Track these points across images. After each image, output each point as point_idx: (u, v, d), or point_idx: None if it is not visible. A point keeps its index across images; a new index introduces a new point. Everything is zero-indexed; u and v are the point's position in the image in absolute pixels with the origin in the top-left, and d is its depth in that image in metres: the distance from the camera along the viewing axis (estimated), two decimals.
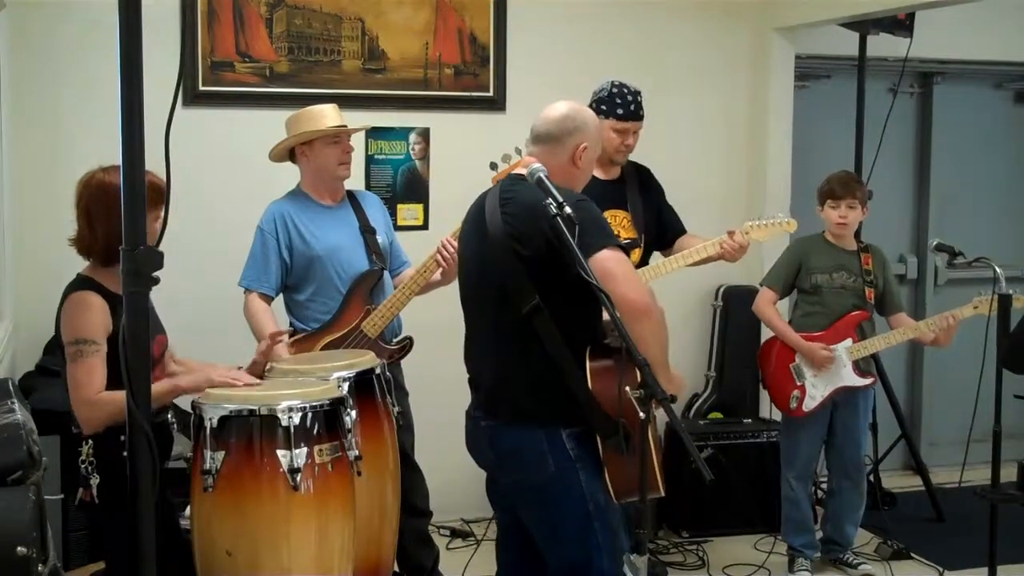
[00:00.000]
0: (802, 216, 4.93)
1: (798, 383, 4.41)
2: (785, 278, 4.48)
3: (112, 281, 2.91)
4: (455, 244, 3.84)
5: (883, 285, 4.52)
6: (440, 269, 3.84)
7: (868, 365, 4.54)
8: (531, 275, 2.77)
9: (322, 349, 3.82)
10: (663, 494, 2.82)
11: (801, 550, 4.54)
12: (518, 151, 3.88)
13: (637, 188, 4.21)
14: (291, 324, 3.95)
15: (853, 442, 4.55)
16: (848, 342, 4.42)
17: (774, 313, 4.49)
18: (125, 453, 2.75)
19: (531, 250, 2.77)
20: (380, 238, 4.01)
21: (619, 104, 4.05)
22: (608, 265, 2.71)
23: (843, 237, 4.50)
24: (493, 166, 3.91)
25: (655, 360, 2.71)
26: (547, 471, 2.79)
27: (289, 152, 3.96)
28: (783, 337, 4.44)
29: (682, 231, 4.26)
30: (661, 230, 4.24)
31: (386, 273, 3.99)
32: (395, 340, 3.98)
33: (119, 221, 2.84)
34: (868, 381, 4.55)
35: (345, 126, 3.92)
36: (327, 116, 3.89)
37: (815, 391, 4.41)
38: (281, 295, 3.96)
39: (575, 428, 2.78)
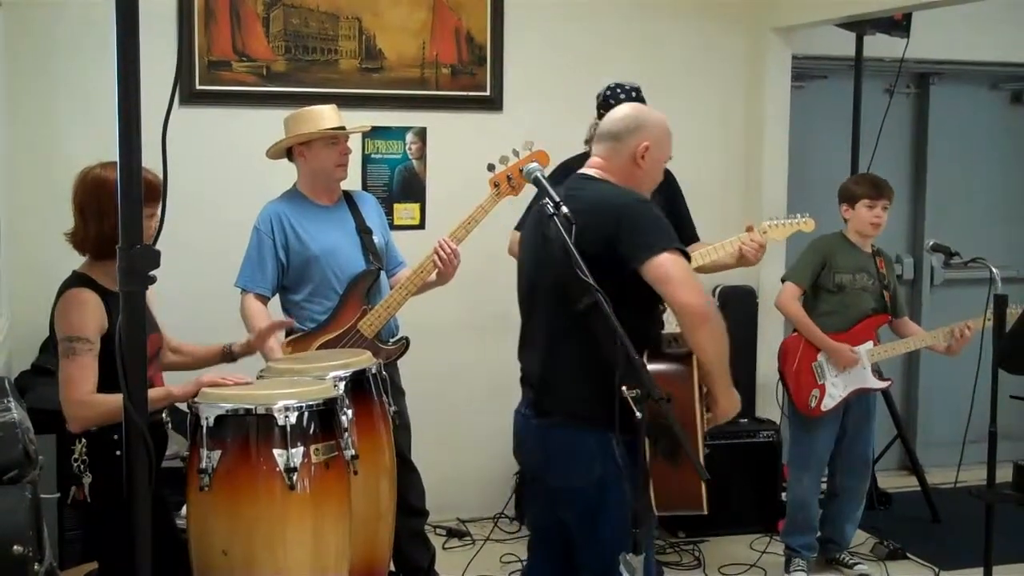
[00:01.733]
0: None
1: (819, 382, 4.40)
2: (812, 275, 4.43)
3: (108, 278, 2.91)
4: (452, 245, 3.84)
5: (893, 289, 4.54)
6: (436, 270, 3.84)
7: (879, 368, 4.57)
8: (590, 272, 2.69)
9: (318, 349, 3.82)
10: (705, 511, 2.78)
11: (799, 551, 4.54)
12: (515, 152, 3.88)
13: (657, 187, 4.20)
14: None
15: (863, 441, 4.56)
16: (869, 344, 4.43)
17: (800, 310, 4.43)
18: (118, 452, 2.77)
19: (591, 247, 2.70)
20: (376, 238, 4.00)
21: (613, 105, 4.04)
22: (667, 268, 2.67)
23: (866, 239, 4.49)
24: (491, 167, 3.90)
25: (712, 370, 2.74)
26: (594, 475, 2.74)
27: (286, 151, 3.96)
28: (810, 335, 4.40)
29: (694, 238, 4.18)
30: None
31: (382, 273, 3.99)
32: (391, 340, 3.97)
33: (111, 217, 2.87)
34: (886, 384, 4.60)
35: (344, 127, 3.91)
36: (326, 117, 3.88)
37: (835, 391, 4.40)
38: (277, 295, 3.96)
39: (626, 436, 2.66)
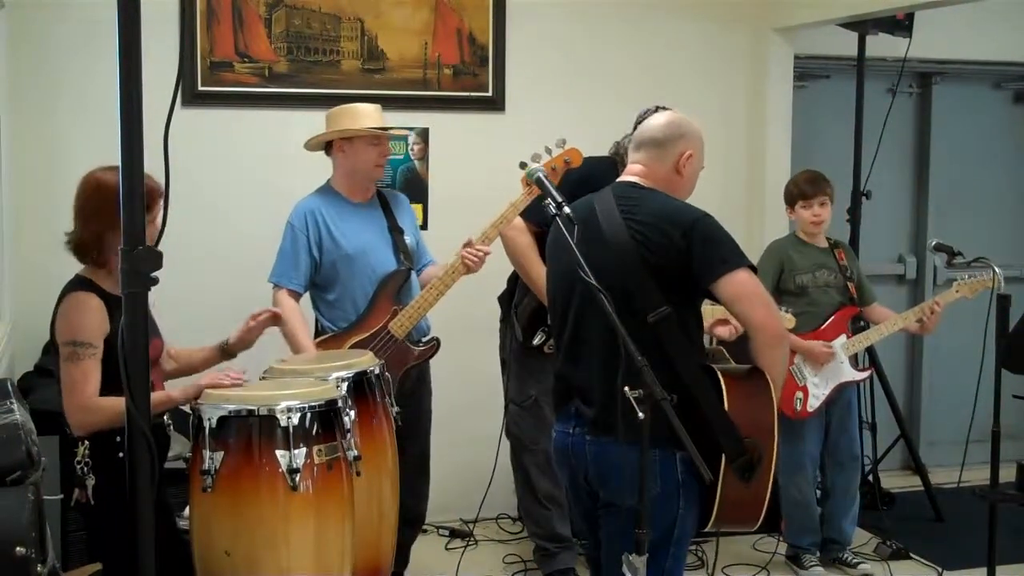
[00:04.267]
0: None
1: (800, 384, 4.40)
2: (771, 282, 4.42)
3: (110, 282, 2.92)
4: (485, 250, 3.82)
5: (857, 278, 4.54)
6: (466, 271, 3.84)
7: (859, 357, 4.59)
8: (660, 284, 2.69)
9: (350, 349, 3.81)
10: (754, 528, 2.79)
11: (808, 548, 4.57)
12: (548, 150, 3.78)
13: None
14: (318, 323, 3.95)
15: (849, 436, 4.58)
16: (843, 338, 4.44)
17: None
18: (121, 454, 2.77)
19: (662, 260, 2.69)
20: (408, 238, 4.02)
21: None
22: (748, 288, 2.69)
23: (817, 236, 4.51)
24: (523, 165, 3.84)
25: (778, 385, 2.76)
26: (651, 492, 2.60)
27: (325, 144, 3.97)
28: None
29: None
30: None
31: (413, 273, 4.00)
32: (423, 341, 3.97)
33: (111, 220, 2.87)
34: (866, 374, 4.65)
35: (386, 128, 3.95)
36: (371, 116, 3.94)
37: (817, 390, 4.41)
38: (309, 294, 3.96)
39: (683, 452, 2.58)
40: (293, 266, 3.88)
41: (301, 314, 3.86)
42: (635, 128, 4.09)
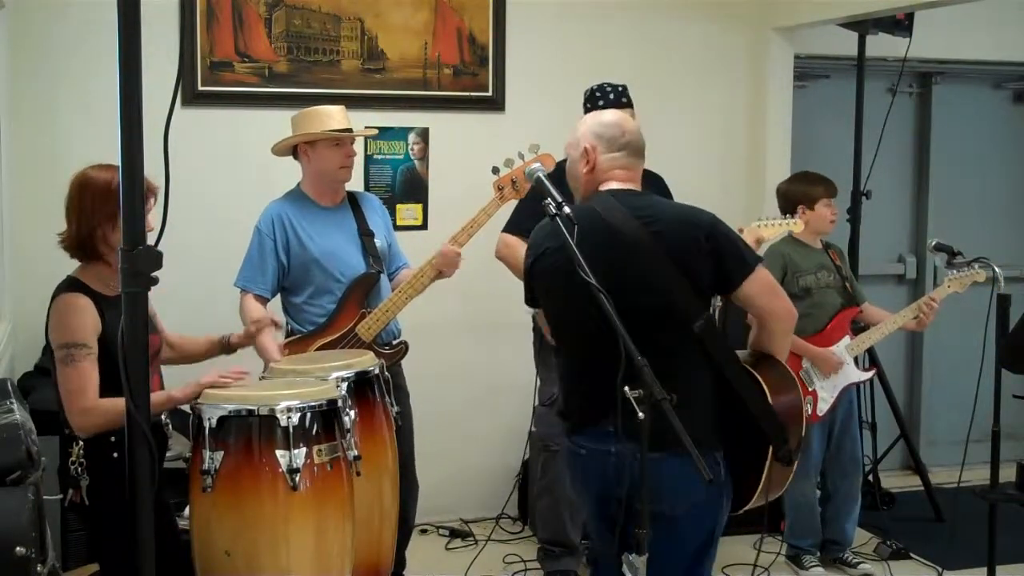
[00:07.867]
0: None
1: (810, 388, 4.39)
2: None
3: (99, 282, 2.93)
4: (456, 250, 3.83)
5: (850, 279, 4.57)
6: (437, 274, 3.83)
7: (858, 358, 4.60)
8: (696, 290, 2.71)
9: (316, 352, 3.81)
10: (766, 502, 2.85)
11: (809, 549, 4.58)
12: (521, 155, 3.86)
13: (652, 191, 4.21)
14: (287, 325, 3.94)
15: (850, 438, 4.57)
16: (846, 339, 4.44)
17: None
18: (115, 454, 2.77)
19: (694, 264, 2.70)
20: (379, 241, 4.00)
21: (599, 98, 4.11)
22: (768, 281, 2.79)
23: (817, 237, 4.52)
24: (495, 170, 3.89)
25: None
26: (699, 497, 2.62)
27: (292, 148, 3.96)
28: (792, 346, 4.39)
29: None
30: None
31: (383, 276, 3.98)
32: (392, 343, 3.96)
33: (94, 218, 2.88)
34: (871, 373, 4.67)
35: (350, 129, 3.91)
36: (333, 118, 3.88)
37: (825, 393, 4.41)
38: (278, 297, 3.96)
39: (723, 451, 2.68)
40: (260, 271, 3.86)
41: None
42: (586, 104, 4.13)
